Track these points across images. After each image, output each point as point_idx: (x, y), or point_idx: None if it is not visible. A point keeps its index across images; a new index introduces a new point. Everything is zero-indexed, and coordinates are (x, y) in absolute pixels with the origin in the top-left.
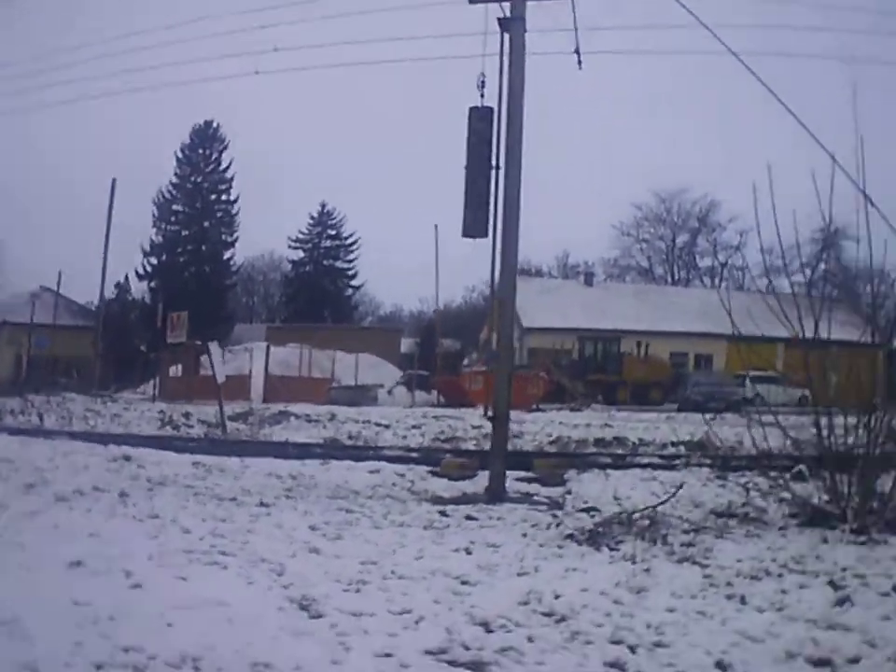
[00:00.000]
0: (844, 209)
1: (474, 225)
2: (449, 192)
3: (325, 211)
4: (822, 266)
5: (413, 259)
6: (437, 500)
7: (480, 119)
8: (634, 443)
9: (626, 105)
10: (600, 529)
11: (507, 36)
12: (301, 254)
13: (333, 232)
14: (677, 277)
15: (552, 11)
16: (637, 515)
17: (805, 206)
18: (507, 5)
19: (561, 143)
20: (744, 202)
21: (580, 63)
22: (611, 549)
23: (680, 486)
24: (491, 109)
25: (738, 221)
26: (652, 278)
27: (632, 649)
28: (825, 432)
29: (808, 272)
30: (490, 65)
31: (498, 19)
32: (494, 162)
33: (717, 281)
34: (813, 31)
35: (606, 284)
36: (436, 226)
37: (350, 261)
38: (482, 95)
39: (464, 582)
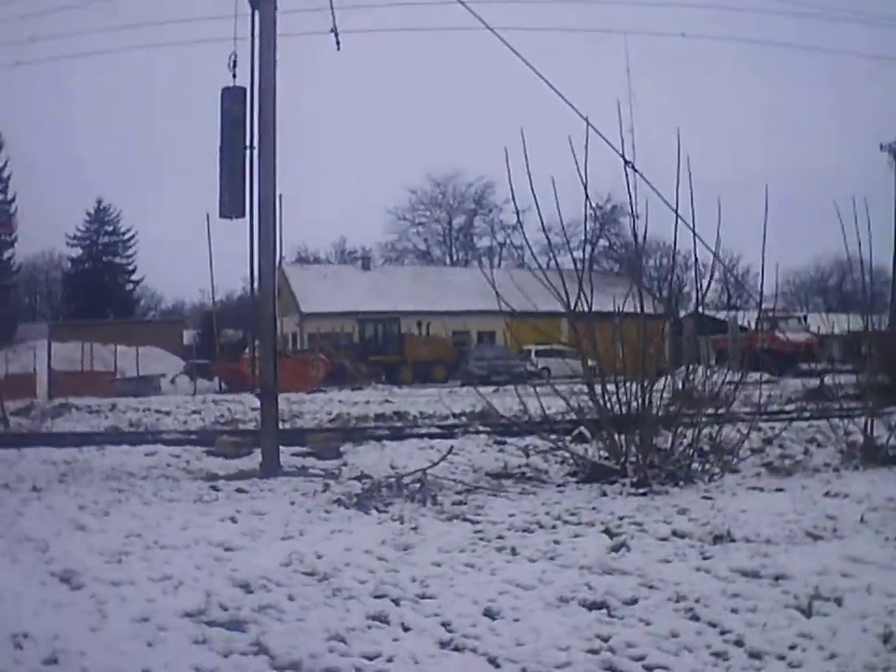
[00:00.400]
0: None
1: (231, 205)
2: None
3: (101, 207)
4: (602, 241)
5: (193, 251)
6: (211, 477)
7: (232, 99)
8: (414, 417)
9: (398, 89)
10: (369, 493)
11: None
12: (80, 251)
13: (110, 228)
14: (455, 258)
15: None
16: (407, 479)
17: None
18: None
19: (336, 129)
20: (520, 182)
21: (338, 44)
22: (380, 511)
23: (451, 449)
24: (244, 90)
25: (517, 200)
26: (431, 260)
27: (396, 602)
28: (605, 397)
29: (589, 247)
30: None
31: None
32: (248, 143)
33: (496, 261)
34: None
35: (384, 267)
36: (207, 215)
37: (129, 257)
38: (234, 76)
39: (227, 549)
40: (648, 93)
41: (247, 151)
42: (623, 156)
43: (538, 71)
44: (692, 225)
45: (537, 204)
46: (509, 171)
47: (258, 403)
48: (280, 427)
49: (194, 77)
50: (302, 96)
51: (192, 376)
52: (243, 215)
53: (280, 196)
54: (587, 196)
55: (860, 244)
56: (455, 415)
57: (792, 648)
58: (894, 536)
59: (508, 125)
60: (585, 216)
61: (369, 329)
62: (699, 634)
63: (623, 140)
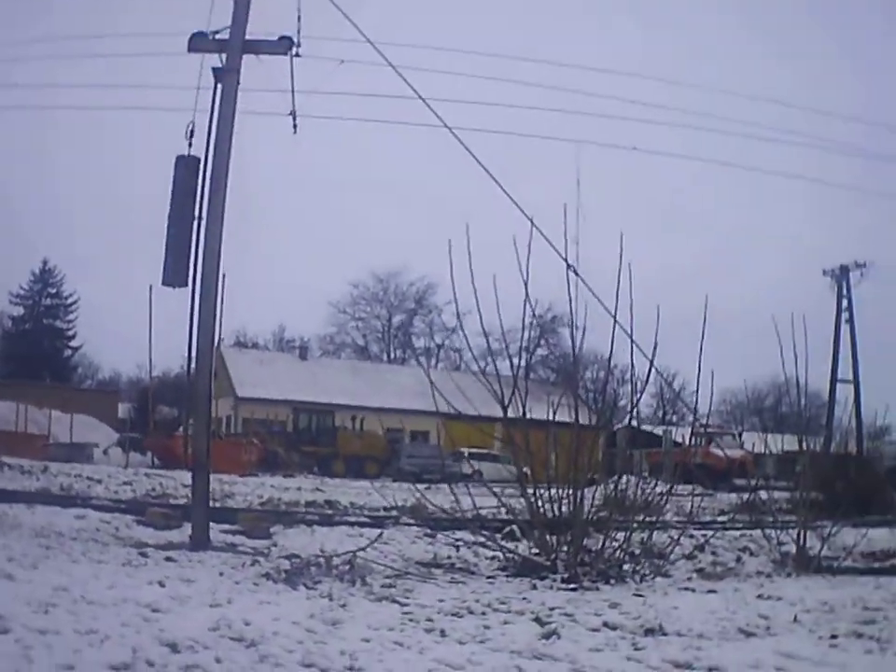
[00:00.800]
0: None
1: (174, 274)
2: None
3: (46, 268)
4: (540, 350)
5: (133, 322)
6: (140, 545)
7: (185, 167)
8: (345, 507)
9: (350, 179)
10: (298, 570)
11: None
12: (22, 310)
13: (54, 291)
14: (393, 356)
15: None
16: (337, 560)
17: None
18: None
19: (284, 214)
20: (462, 284)
21: (295, 126)
22: (308, 588)
23: (381, 534)
24: (197, 159)
25: (458, 303)
26: (368, 356)
27: None
28: (537, 499)
29: (526, 355)
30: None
31: (213, 68)
32: (197, 213)
33: (433, 361)
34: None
35: (321, 359)
36: (150, 286)
37: (69, 321)
38: (189, 145)
39: (154, 610)
40: (596, 204)
41: (195, 222)
42: (565, 259)
43: (487, 170)
44: (629, 332)
45: (478, 306)
46: (451, 265)
47: (189, 480)
48: (211, 505)
49: (148, 145)
50: (254, 176)
51: (125, 449)
52: (185, 284)
53: (224, 275)
54: (527, 295)
55: (797, 364)
56: (385, 508)
57: None
58: (829, 635)
59: (455, 226)
60: (524, 317)
61: (303, 418)
62: None
63: (566, 245)
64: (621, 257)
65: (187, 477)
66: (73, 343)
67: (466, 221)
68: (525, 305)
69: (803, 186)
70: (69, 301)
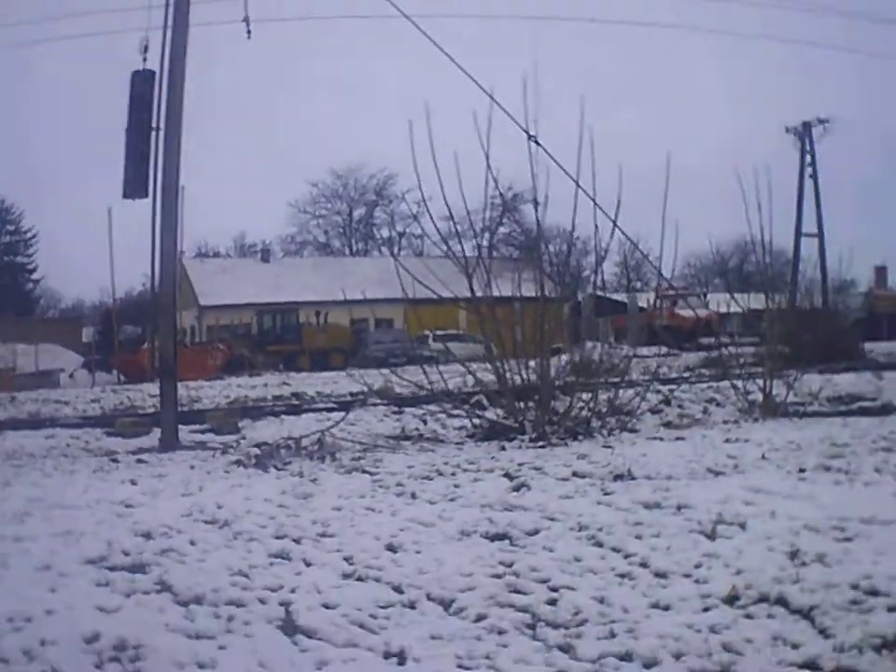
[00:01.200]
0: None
1: (135, 186)
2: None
3: (3, 206)
4: (503, 228)
5: (93, 248)
6: (111, 453)
7: (142, 81)
8: (312, 397)
9: (304, 82)
10: (268, 454)
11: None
12: None
13: (12, 228)
14: (355, 249)
15: None
16: (305, 441)
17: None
18: None
19: (240, 121)
20: (425, 169)
21: (248, 32)
22: (279, 469)
23: (348, 411)
24: (153, 72)
25: (420, 187)
26: (331, 252)
27: (297, 541)
28: (504, 370)
29: (488, 235)
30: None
31: None
32: (155, 124)
33: (396, 250)
34: None
35: (283, 260)
36: (109, 209)
37: (30, 256)
38: (144, 59)
39: (128, 506)
40: (557, 78)
41: (153, 133)
42: (526, 130)
43: (442, 48)
44: (592, 196)
45: (441, 186)
46: (412, 145)
47: (156, 391)
48: (179, 410)
49: (98, 69)
50: (208, 86)
51: (91, 370)
52: (146, 195)
53: (183, 187)
54: (489, 167)
55: (760, 220)
56: (352, 394)
57: (698, 567)
58: (797, 469)
59: (414, 115)
60: (486, 192)
61: (267, 319)
62: (603, 558)
63: (527, 117)
64: (582, 120)
65: (153, 389)
66: (34, 277)
67: (426, 108)
68: (486, 178)
69: (763, 44)
70: (28, 235)
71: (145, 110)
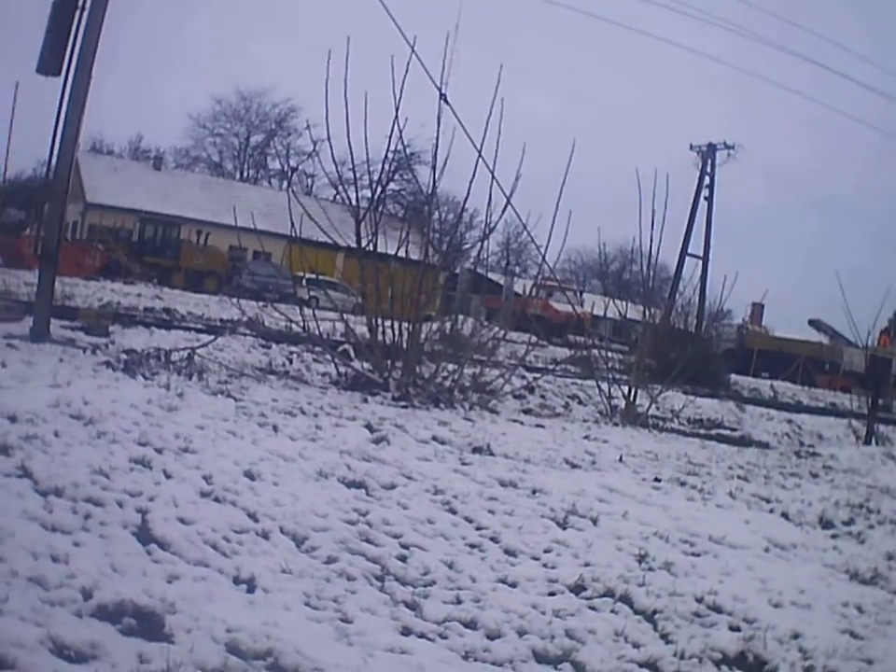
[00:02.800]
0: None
1: (49, 62)
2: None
3: None
4: (393, 185)
5: None
6: None
7: None
8: (183, 315)
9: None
10: (138, 360)
11: None
12: None
13: None
14: (246, 175)
15: None
16: (175, 355)
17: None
18: None
19: (156, 19)
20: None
21: None
22: (147, 378)
23: (218, 333)
24: None
25: (316, 129)
26: (222, 173)
27: (159, 451)
28: (377, 326)
29: (380, 188)
30: None
31: None
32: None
33: (286, 184)
34: None
35: (175, 171)
36: (17, 84)
37: None
38: None
39: None
40: (478, 44)
41: (77, 11)
42: (439, 88)
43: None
44: (491, 168)
45: (348, 129)
46: (327, 78)
47: (33, 280)
48: (53, 304)
49: None
50: None
51: None
52: (59, 73)
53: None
54: (397, 118)
55: (652, 233)
56: (223, 320)
57: (547, 552)
58: (652, 478)
59: (332, 49)
60: (389, 143)
61: (149, 229)
62: (455, 525)
63: (442, 75)
64: (496, 89)
65: (30, 277)
66: None
67: (346, 42)
68: (392, 128)
69: (687, 58)
70: None
71: None
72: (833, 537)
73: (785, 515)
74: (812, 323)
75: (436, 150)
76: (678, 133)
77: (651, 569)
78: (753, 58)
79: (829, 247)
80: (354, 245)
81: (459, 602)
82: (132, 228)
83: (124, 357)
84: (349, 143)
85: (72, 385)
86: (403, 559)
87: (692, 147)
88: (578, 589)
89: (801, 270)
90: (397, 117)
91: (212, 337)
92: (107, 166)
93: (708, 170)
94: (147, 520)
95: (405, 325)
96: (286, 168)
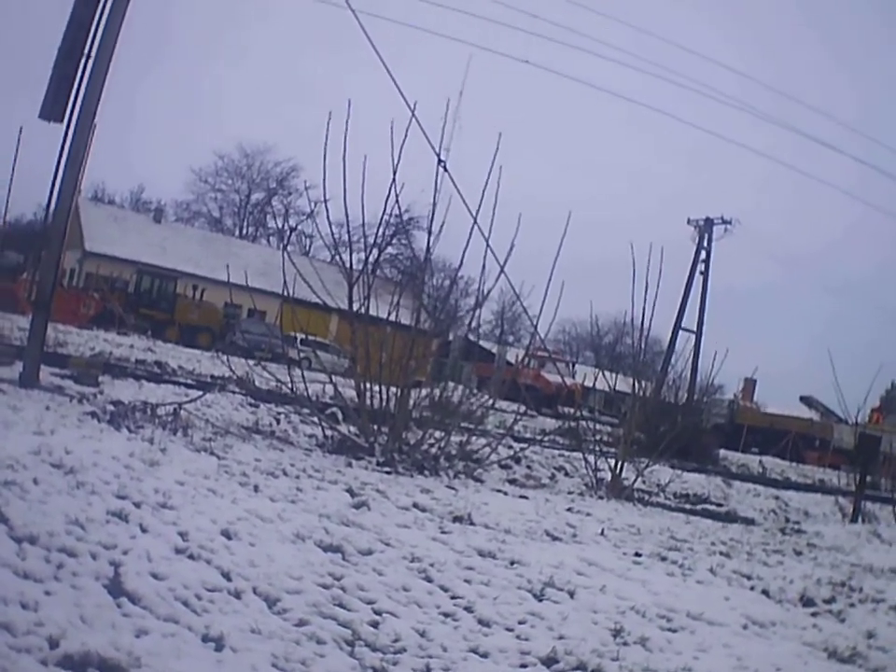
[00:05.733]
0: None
1: (53, 108)
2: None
3: None
4: (390, 249)
5: None
6: None
7: (84, 6)
8: (174, 369)
9: (236, 51)
10: (123, 413)
11: None
12: None
13: None
14: (245, 232)
15: None
16: (161, 410)
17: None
18: None
19: (163, 71)
20: (329, 173)
21: None
22: (131, 430)
23: (206, 392)
24: None
25: (316, 190)
26: (221, 229)
27: (137, 505)
28: (365, 390)
29: (375, 252)
30: None
31: None
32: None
33: (283, 244)
34: None
35: (175, 224)
36: (20, 128)
37: None
38: None
39: None
40: (478, 112)
41: (84, 59)
42: (438, 154)
43: (378, 51)
44: (486, 236)
45: (345, 188)
46: (327, 136)
47: (26, 325)
48: (44, 350)
49: None
50: (144, 27)
51: None
52: (62, 119)
53: (96, 124)
54: (394, 181)
55: (644, 307)
56: (213, 377)
57: (522, 623)
58: (633, 553)
59: (333, 110)
60: (385, 207)
61: (145, 281)
62: (430, 593)
63: (441, 141)
64: (494, 157)
65: (23, 322)
66: None
67: (346, 105)
68: (389, 193)
69: (693, 134)
70: None
71: (80, 34)
72: (814, 615)
73: (766, 592)
74: (804, 399)
75: (433, 217)
76: (679, 207)
77: (625, 644)
78: (755, 135)
79: (821, 325)
80: (347, 307)
81: (429, 670)
82: (128, 279)
83: (111, 408)
84: (346, 205)
85: (56, 433)
86: (375, 625)
87: (689, 222)
88: (550, 661)
89: (794, 347)
90: (394, 181)
91: (200, 393)
92: (108, 215)
93: (705, 244)
94: (120, 573)
95: (394, 390)
96: (284, 227)
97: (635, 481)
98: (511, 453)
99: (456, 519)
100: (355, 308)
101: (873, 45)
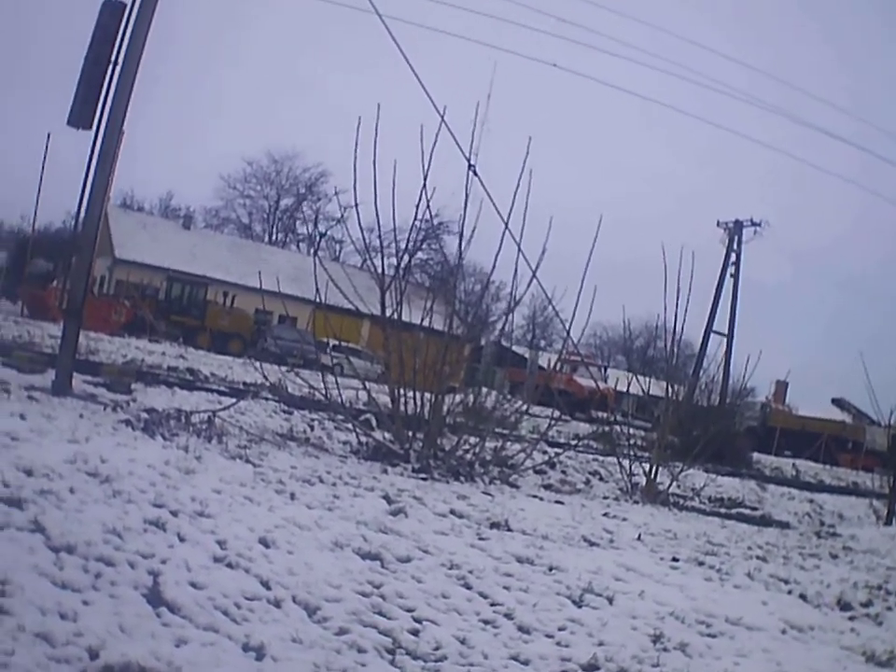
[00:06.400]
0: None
1: (80, 115)
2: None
3: None
4: (421, 254)
5: (21, 173)
6: (3, 383)
7: (110, 13)
8: (206, 376)
9: (265, 58)
10: (157, 421)
11: None
12: None
13: None
14: (275, 238)
15: None
16: (195, 417)
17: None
18: None
19: (193, 78)
20: (359, 178)
21: None
22: (166, 438)
23: (241, 397)
24: (123, 5)
25: (345, 196)
26: (251, 235)
27: (174, 513)
28: (400, 396)
29: (407, 257)
30: None
31: None
32: (114, 59)
33: (314, 249)
34: None
35: (204, 231)
36: (49, 134)
37: None
38: None
39: (14, 438)
40: (507, 116)
41: (110, 66)
42: (468, 159)
43: (406, 56)
44: (518, 240)
45: (375, 194)
46: (357, 143)
47: (57, 333)
48: (77, 357)
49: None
50: (173, 34)
51: None
52: (90, 126)
53: (124, 131)
54: (425, 186)
55: (677, 310)
56: (246, 383)
57: (562, 630)
58: (670, 558)
59: (364, 117)
60: (416, 212)
61: (176, 288)
62: (469, 600)
63: (472, 144)
64: (525, 161)
65: (55, 329)
66: None
67: (375, 110)
68: (420, 198)
69: (712, 132)
70: None
71: (107, 42)
72: (851, 619)
73: (803, 597)
74: (835, 402)
75: (463, 221)
76: (707, 209)
77: (665, 650)
78: (789, 139)
79: (853, 326)
80: (379, 313)
81: None
82: (158, 286)
83: (145, 416)
84: (377, 210)
85: (90, 441)
86: (415, 633)
87: (718, 224)
88: (591, 668)
89: (825, 348)
90: (425, 185)
91: (234, 400)
92: (137, 222)
93: (735, 247)
94: (159, 582)
95: (428, 396)
96: (314, 233)
97: (669, 485)
98: (546, 458)
99: (494, 525)
100: (387, 313)
101: (877, 38)
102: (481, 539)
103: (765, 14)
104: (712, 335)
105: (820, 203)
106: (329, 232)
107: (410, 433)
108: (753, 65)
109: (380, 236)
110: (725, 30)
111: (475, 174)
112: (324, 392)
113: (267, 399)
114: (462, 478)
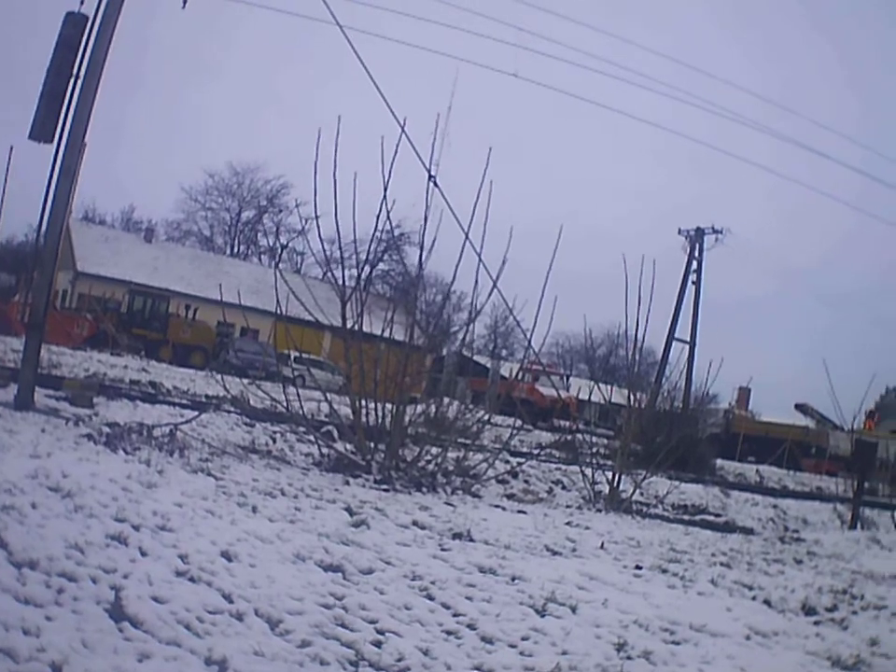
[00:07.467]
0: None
1: (42, 129)
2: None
3: None
4: (382, 266)
5: None
6: None
7: (72, 24)
8: (168, 389)
9: (225, 69)
10: (119, 435)
11: None
12: None
13: None
14: (236, 250)
15: None
16: (157, 431)
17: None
18: None
19: (152, 91)
20: (319, 190)
21: (185, 1)
22: (128, 452)
23: (201, 413)
24: (86, 17)
25: (306, 208)
26: (212, 247)
27: (136, 528)
28: (361, 407)
29: (367, 268)
30: None
31: None
32: (75, 72)
33: (275, 261)
34: None
35: (165, 244)
36: (11, 148)
37: None
38: (81, 2)
39: None
40: (467, 127)
41: (72, 79)
42: (428, 169)
43: (367, 69)
44: (478, 251)
45: (336, 204)
46: (317, 154)
47: (19, 346)
48: (38, 372)
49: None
50: (133, 46)
51: None
52: (51, 140)
53: (86, 143)
54: (385, 198)
55: (638, 318)
56: (208, 396)
57: (525, 639)
58: (633, 566)
59: (322, 127)
60: (377, 223)
61: (138, 301)
62: (432, 611)
63: (431, 156)
64: (485, 172)
65: (16, 343)
66: None
67: (335, 122)
68: (380, 209)
69: (683, 144)
70: None
71: (69, 53)
72: (816, 623)
73: (767, 602)
74: (798, 407)
75: (424, 232)
76: (673, 220)
77: (629, 658)
78: (741, 145)
79: (816, 333)
80: (340, 324)
81: None
82: (121, 299)
83: (107, 430)
84: (337, 222)
85: (52, 456)
86: (378, 645)
87: (680, 232)
88: None
89: (787, 355)
90: (385, 197)
91: (195, 413)
92: (99, 236)
93: (696, 255)
94: (121, 597)
95: (389, 407)
96: (275, 245)
97: (632, 493)
98: (508, 467)
99: (456, 536)
100: (348, 325)
101: (870, 53)
102: (443, 549)
103: (737, 22)
104: (675, 343)
105: (780, 209)
106: (290, 244)
107: (371, 444)
108: (732, 79)
109: (340, 248)
110: (690, 38)
111: (436, 184)
112: (285, 404)
113: (229, 411)
114: (424, 489)
